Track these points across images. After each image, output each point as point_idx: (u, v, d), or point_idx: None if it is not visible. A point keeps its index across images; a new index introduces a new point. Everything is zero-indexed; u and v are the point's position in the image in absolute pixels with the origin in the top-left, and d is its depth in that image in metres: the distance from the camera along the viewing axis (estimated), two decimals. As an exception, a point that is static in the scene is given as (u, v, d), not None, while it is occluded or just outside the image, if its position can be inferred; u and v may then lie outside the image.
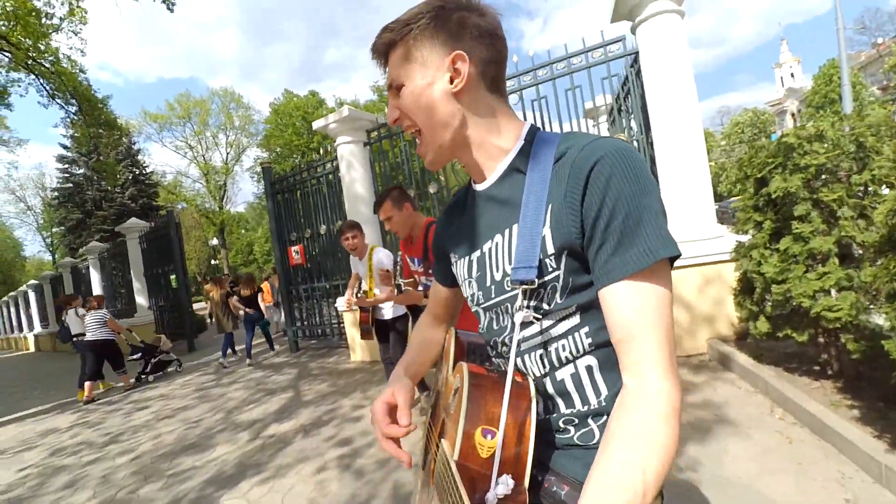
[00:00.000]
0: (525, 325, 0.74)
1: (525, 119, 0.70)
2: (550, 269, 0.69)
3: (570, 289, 0.69)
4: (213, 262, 38.77)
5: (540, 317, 0.72)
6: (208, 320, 15.37)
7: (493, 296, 0.80)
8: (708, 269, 4.26)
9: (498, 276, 0.78)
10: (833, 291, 2.83)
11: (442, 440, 0.70)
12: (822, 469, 2.29)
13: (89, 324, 7.19)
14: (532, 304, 0.72)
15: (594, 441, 0.72)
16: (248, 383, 6.38)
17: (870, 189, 2.63)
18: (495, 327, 0.83)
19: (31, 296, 20.26)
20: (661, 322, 0.61)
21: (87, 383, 7.09)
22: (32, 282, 20.50)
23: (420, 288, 2.64)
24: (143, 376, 7.90)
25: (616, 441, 0.58)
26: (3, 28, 9.06)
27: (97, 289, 13.49)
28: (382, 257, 3.68)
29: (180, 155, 38.21)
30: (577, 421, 0.74)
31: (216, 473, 3.45)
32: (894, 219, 1.93)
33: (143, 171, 30.55)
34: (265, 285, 10.36)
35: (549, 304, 0.71)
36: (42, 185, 40.53)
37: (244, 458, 3.66)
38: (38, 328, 19.81)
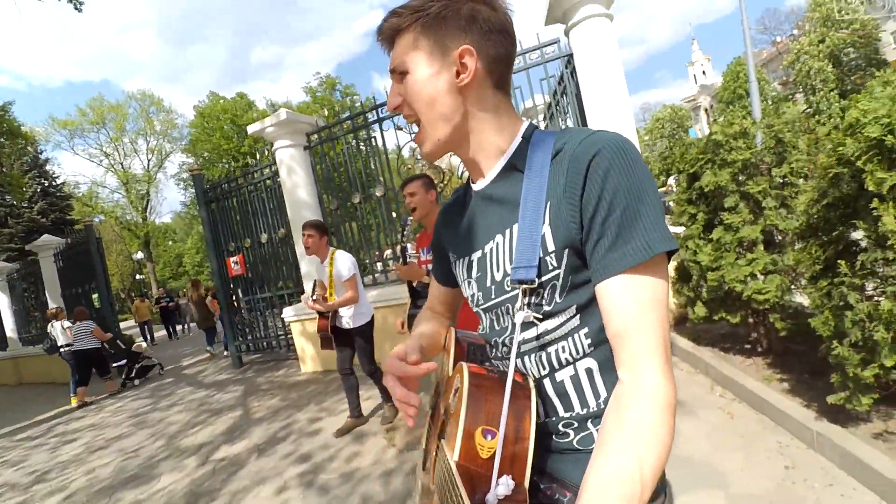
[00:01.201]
0: (525, 325, 0.73)
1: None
2: (551, 268, 0.68)
3: (569, 287, 0.69)
4: (138, 276, 36.13)
5: (541, 317, 0.71)
6: (138, 340, 14.39)
7: (493, 296, 0.79)
8: (647, 260, 4.49)
9: (498, 277, 0.77)
10: (758, 275, 3.08)
11: (442, 441, 0.69)
12: (762, 440, 2.49)
13: (76, 334, 7.60)
14: (532, 303, 0.71)
15: (593, 445, 0.71)
16: (189, 404, 6.00)
17: (788, 180, 2.89)
18: (496, 328, 0.82)
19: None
20: (657, 317, 0.61)
21: (78, 389, 7.47)
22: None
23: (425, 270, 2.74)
24: (128, 381, 8.35)
25: (613, 436, 0.58)
26: None
27: (7, 313, 12.20)
28: (343, 262, 3.55)
29: (95, 163, 35.02)
30: (576, 424, 0.73)
31: (164, 506, 3.22)
32: (814, 207, 2.12)
33: (54, 183, 27.89)
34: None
35: (548, 304, 0.71)
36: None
37: (194, 486, 3.44)
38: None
